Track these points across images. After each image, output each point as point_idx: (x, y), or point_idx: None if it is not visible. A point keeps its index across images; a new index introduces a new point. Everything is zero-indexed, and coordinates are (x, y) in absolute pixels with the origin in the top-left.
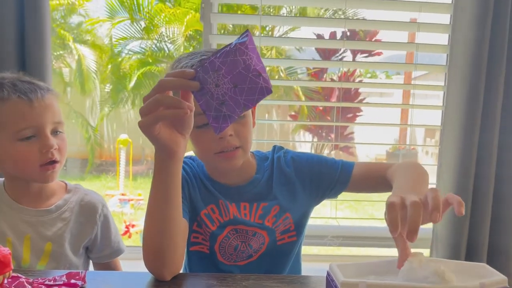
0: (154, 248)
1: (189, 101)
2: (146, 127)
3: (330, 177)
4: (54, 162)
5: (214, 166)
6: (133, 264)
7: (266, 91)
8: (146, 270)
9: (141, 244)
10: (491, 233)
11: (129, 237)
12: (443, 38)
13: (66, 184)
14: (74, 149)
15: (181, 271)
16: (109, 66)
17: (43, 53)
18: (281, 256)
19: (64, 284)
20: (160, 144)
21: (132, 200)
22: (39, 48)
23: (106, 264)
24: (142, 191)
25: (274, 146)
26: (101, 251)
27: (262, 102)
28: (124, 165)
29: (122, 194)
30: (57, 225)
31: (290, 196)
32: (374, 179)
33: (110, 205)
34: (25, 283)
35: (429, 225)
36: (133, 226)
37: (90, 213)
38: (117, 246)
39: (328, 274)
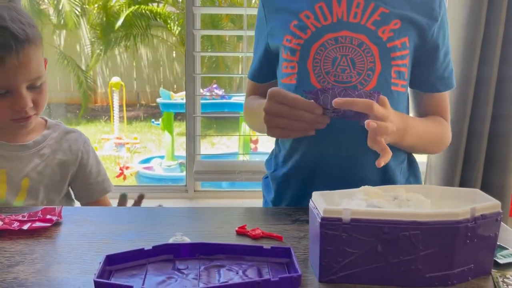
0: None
1: None
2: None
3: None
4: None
5: None
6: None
7: None
8: (125, 206)
9: (135, 184)
10: (485, 170)
11: (124, 179)
12: None
13: (46, 120)
14: (67, 95)
15: None
16: (96, 6)
17: None
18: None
19: (39, 220)
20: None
21: (128, 143)
22: None
23: (94, 204)
24: (138, 134)
25: None
26: (84, 190)
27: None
28: (118, 110)
29: (118, 138)
30: (34, 161)
31: (416, 25)
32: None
33: (106, 149)
34: None
35: (423, 158)
36: (127, 168)
37: (71, 150)
38: (102, 185)
39: (311, 202)
